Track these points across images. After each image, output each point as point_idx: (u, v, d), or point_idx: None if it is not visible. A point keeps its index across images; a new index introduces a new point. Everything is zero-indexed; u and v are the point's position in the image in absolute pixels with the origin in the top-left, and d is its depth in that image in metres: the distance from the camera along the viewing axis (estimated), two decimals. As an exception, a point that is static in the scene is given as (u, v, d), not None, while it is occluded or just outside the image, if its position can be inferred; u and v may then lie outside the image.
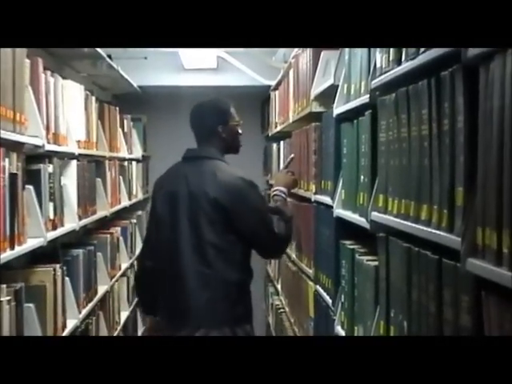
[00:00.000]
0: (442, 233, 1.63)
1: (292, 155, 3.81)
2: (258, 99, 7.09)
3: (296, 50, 4.32)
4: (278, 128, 5.43)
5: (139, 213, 6.48)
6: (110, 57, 4.87)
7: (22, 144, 2.69)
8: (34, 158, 2.97)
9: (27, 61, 2.80)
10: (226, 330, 2.98)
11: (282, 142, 5.38)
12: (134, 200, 5.97)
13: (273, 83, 5.94)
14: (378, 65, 2.25)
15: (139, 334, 5.99)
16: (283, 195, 3.33)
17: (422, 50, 1.76)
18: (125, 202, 5.42)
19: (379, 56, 2.23)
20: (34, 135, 2.81)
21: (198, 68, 6.39)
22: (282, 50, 5.71)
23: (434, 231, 1.68)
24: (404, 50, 1.95)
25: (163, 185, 3.20)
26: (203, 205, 3.02)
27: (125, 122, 5.88)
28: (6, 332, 2.38)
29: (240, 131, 3.26)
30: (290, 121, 4.57)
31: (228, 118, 3.21)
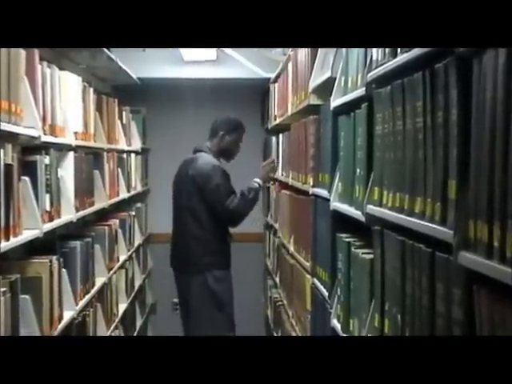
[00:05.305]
0: (435, 226, 1.62)
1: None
2: (259, 92, 7.06)
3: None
4: (278, 121, 5.41)
5: (138, 205, 6.47)
6: (108, 48, 4.85)
7: (17, 135, 2.68)
8: (30, 149, 2.96)
9: (23, 52, 2.79)
10: (198, 275, 4.45)
11: (280, 135, 5.36)
12: (132, 192, 5.95)
13: (272, 76, 5.92)
14: (374, 57, 2.24)
15: (137, 325, 6.00)
16: (256, 185, 4.60)
17: (417, 42, 1.76)
18: (123, 194, 5.41)
19: (375, 49, 2.22)
20: (30, 126, 2.80)
21: (198, 60, 6.35)
22: (281, 43, 5.68)
23: (427, 224, 1.68)
24: (400, 43, 1.95)
25: (178, 169, 4.72)
26: (188, 182, 4.51)
27: (123, 113, 5.85)
28: (1, 323, 2.39)
29: (238, 147, 4.65)
30: (289, 113, 4.56)
31: (232, 130, 4.61)
